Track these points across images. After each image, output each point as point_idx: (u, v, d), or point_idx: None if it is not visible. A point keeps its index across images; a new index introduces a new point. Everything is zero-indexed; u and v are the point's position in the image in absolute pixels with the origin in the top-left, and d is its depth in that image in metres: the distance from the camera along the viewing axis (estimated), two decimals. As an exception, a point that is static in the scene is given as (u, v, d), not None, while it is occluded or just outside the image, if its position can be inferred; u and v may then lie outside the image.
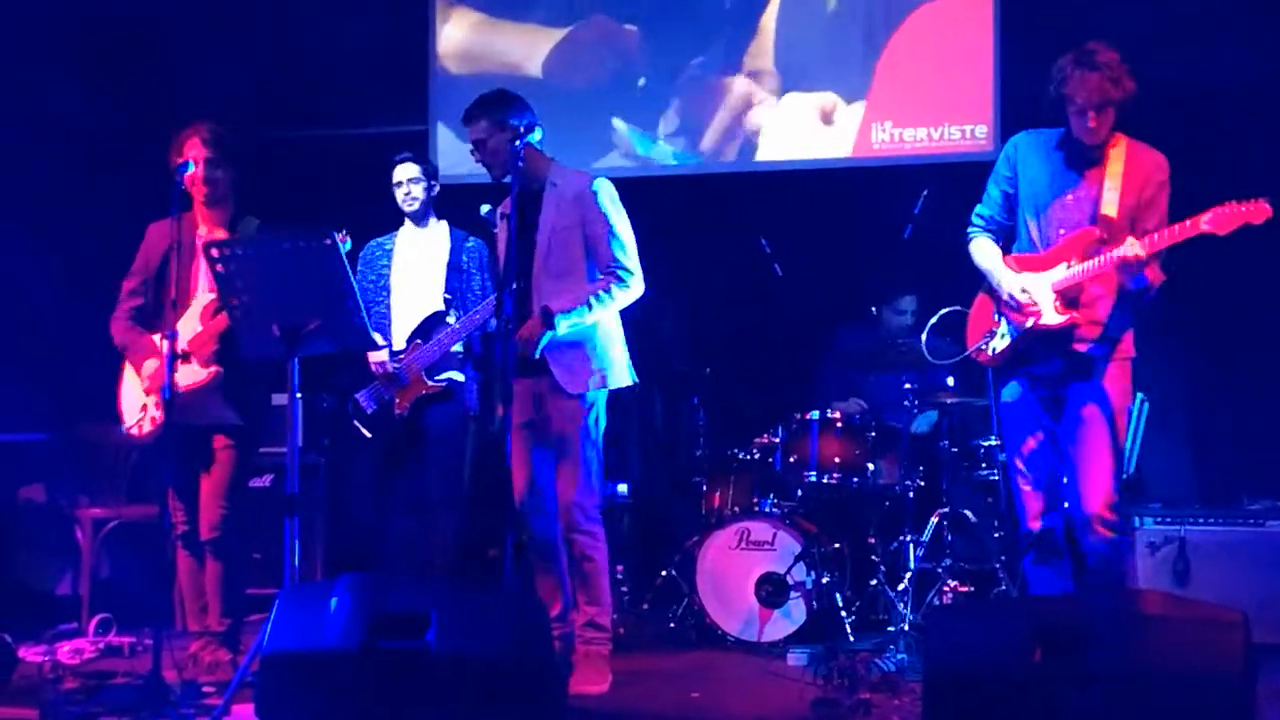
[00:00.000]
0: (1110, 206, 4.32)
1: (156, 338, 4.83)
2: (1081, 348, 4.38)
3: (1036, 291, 4.37)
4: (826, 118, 7.20)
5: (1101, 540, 4.30)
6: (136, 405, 4.90)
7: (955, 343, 6.27)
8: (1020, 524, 4.54)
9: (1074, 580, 4.51)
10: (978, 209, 4.68)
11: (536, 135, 4.76)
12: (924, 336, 4.89)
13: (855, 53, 7.20)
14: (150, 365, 4.85)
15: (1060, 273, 4.36)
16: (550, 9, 7.59)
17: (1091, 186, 4.38)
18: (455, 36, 7.69)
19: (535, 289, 4.79)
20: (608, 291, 4.75)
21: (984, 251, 4.60)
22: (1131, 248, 4.15)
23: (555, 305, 4.69)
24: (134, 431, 4.91)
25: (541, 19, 7.59)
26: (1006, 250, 4.59)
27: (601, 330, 4.85)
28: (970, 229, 4.67)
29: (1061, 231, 4.40)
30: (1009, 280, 4.45)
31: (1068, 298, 4.36)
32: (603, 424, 4.88)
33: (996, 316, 4.55)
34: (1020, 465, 4.52)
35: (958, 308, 4.79)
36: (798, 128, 7.24)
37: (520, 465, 4.84)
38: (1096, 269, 4.26)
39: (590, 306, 4.72)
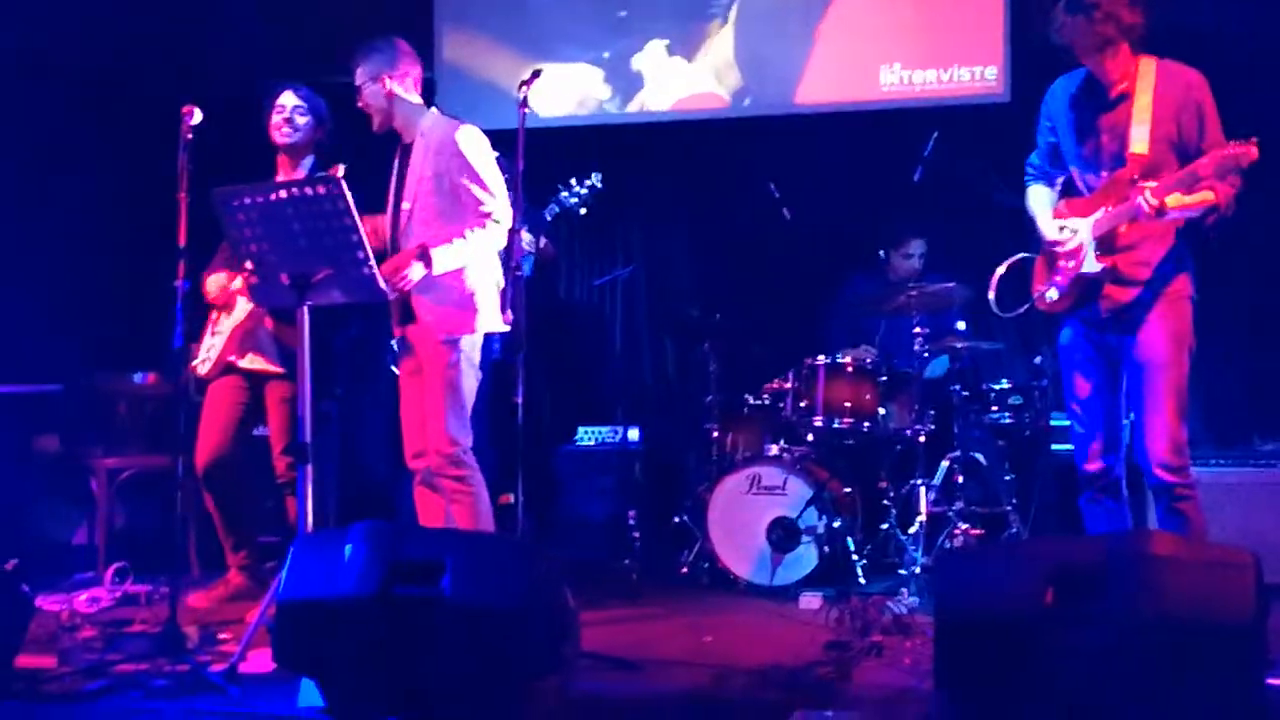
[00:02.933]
0: (1139, 144, 4.18)
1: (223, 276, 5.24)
2: (1124, 295, 4.27)
3: (1078, 236, 4.30)
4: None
5: (1163, 484, 4.21)
6: (205, 347, 5.26)
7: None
8: (1077, 464, 4.47)
9: (1131, 522, 4.46)
10: (1030, 156, 4.61)
11: (406, 83, 4.89)
12: (992, 291, 4.77)
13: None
14: (215, 280, 5.27)
15: (1097, 218, 4.27)
16: None
17: (1121, 124, 4.24)
18: None
19: (402, 242, 4.82)
20: (474, 230, 4.73)
21: (1034, 198, 4.54)
22: (1143, 201, 4.04)
23: (430, 241, 4.71)
24: (199, 370, 5.28)
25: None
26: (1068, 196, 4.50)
27: (470, 275, 4.82)
28: (1025, 176, 4.61)
29: (1103, 174, 4.30)
30: (1048, 225, 4.39)
31: (1105, 244, 4.26)
32: (472, 369, 4.85)
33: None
34: (1075, 408, 4.44)
35: (1025, 255, 4.73)
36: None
37: (409, 413, 4.91)
38: (1126, 214, 4.16)
39: (465, 241, 4.71)
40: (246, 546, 5.33)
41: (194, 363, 5.30)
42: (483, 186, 4.75)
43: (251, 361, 5.19)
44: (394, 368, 5.68)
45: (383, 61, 4.87)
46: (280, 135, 5.21)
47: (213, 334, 5.29)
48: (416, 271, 4.62)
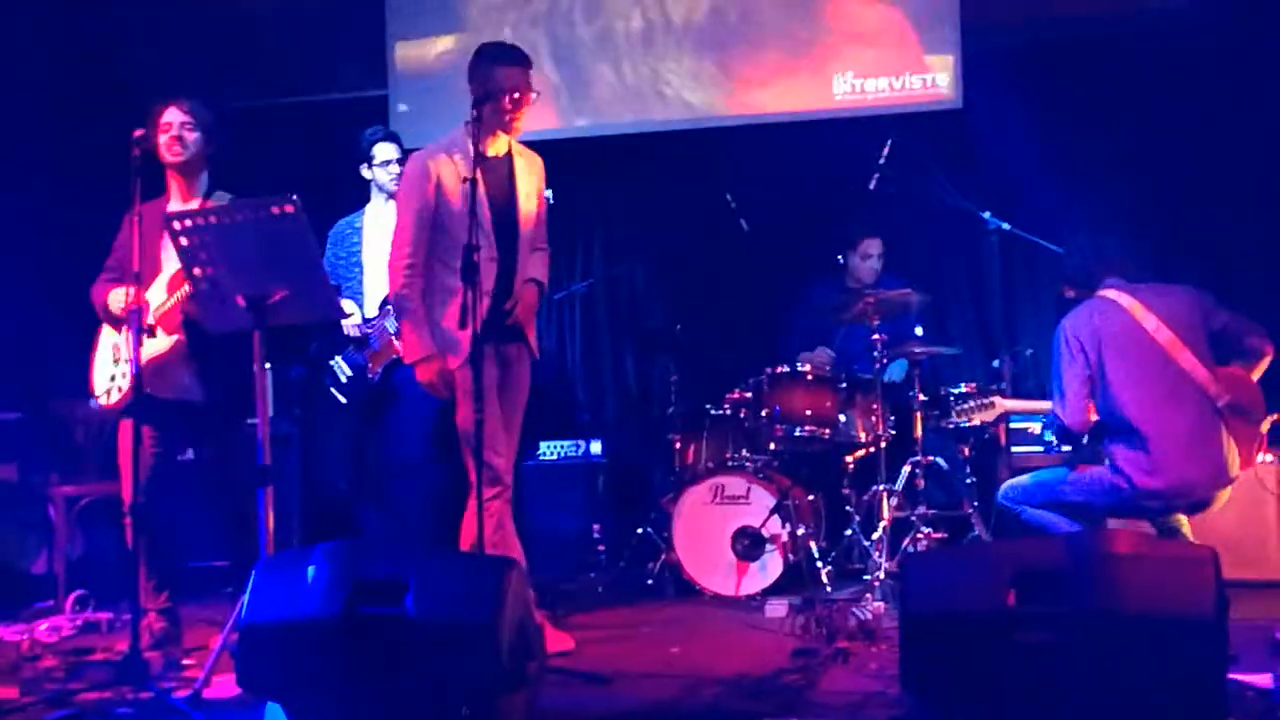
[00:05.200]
0: None
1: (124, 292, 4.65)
2: None
3: None
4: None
5: None
6: (106, 376, 4.85)
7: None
8: None
9: None
10: None
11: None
12: None
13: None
14: (116, 295, 4.73)
15: None
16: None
17: None
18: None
19: (520, 259, 4.85)
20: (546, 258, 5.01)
21: None
22: None
23: (537, 275, 4.89)
24: (103, 402, 4.87)
25: None
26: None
27: None
28: None
29: None
30: None
31: None
32: None
33: None
34: None
35: None
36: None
37: (499, 428, 4.79)
38: None
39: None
40: (169, 587, 4.86)
41: (96, 396, 4.90)
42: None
43: (174, 392, 4.77)
44: (333, 389, 5.68)
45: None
46: (170, 154, 4.88)
47: (116, 360, 4.86)
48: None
